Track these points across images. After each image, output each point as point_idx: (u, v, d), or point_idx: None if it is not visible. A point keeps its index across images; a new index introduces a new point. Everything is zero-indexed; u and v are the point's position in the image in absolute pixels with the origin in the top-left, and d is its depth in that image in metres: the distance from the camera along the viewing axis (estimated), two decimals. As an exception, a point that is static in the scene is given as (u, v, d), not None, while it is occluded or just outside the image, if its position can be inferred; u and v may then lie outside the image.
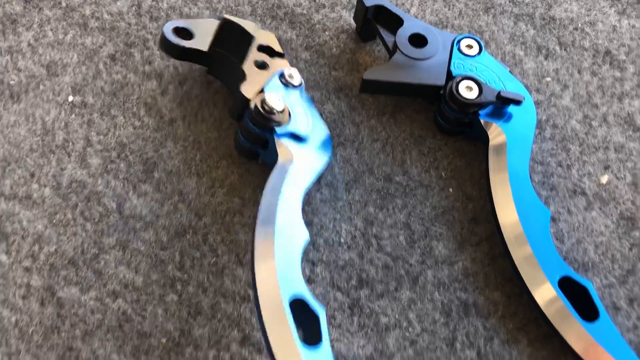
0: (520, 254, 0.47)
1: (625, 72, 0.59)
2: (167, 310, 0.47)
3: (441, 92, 0.53)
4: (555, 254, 0.47)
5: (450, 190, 0.53)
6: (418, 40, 0.54)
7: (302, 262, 0.44)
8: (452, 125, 0.53)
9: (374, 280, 0.49)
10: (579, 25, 0.61)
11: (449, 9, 0.61)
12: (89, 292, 0.47)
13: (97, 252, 0.49)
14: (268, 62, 0.52)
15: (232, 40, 0.53)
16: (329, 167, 0.52)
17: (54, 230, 0.49)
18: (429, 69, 0.53)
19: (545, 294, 0.46)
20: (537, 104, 0.56)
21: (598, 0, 0.62)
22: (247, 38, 0.52)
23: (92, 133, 0.53)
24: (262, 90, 0.50)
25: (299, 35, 0.59)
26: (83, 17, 0.58)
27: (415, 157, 0.54)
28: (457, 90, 0.51)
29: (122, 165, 0.52)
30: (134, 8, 0.59)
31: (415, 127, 0.55)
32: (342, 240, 0.50)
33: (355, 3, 0.58)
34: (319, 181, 0.52)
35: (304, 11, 0.60)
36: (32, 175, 0.51)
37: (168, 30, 0.52)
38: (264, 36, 0.53)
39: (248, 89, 0.50)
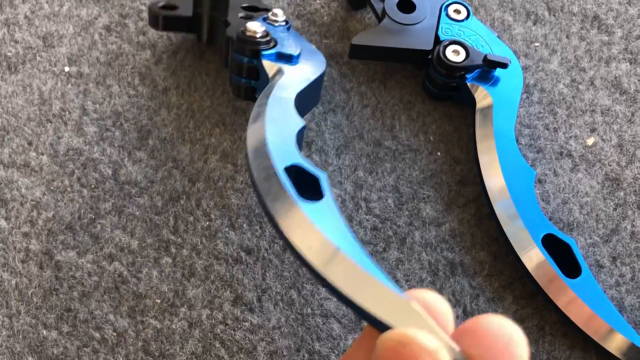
0: (506, 214, 0.48)
1: (613, 36, 0.59)
2: (161, 272, 0.48)
3: (429, 56, 0.53)
4: (540, 214, 0.48)
5: (439, 153, 0.53)
6: (406, 6, 0.55)
7: (298, 143, 0.42)
8: (440, 89, 0.54)
9: (363, 241, 0.50)
10: (568, -10, 0.61)
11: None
12: (86, 256, 0.49)
13: (93, 217, 0.50)
14: (254, 15, 0.53)
15: None
16: (319, 131, 0.53)
17: (51, 196, 0.50)
18: (417, 34, 0.54)
19: (530, 253, 0.47)
20: (526, 68, 0.57)
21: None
22: None
23: (88, 102, 0.54)
24: None
25: (290, 4, 0.59)
26: (78, -11, 0.59)
27: (404, 122, 0.55)
28: (444, 54, 0.52)
29: (118, 133, 0.53)
30: (127, -21, 0.60)
31: (404, 93, 0.56)
32: (333, 203, 0.51)
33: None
34: (309, 147, 0.53)
35: (296, -20, 0.61)
36: (30, 143, 0.52)
37: (154, 6, 0.54)
38: None
39: (233, 31, 0.51)
